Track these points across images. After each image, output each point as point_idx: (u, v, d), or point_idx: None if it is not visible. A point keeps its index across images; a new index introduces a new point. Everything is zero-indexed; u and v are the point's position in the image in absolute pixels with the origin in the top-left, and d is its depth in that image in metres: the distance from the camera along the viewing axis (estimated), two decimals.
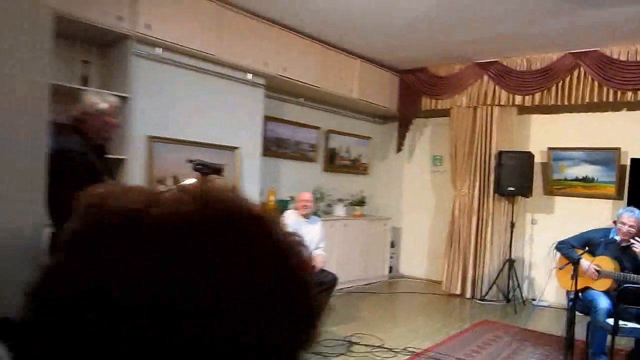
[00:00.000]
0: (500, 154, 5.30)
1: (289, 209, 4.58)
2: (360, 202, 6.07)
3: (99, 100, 2.61)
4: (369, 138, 6.52)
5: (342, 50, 5.24)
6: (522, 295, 5.28)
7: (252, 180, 4.48)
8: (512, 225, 5.28)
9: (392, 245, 6.37)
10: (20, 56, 1.95)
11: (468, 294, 5.51)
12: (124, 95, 3.42)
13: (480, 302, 5.35)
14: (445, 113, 5.90)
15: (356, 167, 6.41)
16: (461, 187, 5.68)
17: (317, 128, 5.68)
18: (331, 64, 5.11)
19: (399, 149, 6.44)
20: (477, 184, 5.58)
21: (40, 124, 2.04)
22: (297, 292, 0.44)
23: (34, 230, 1.94)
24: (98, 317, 0.38)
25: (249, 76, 4.32)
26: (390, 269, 6.35)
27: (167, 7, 3.65)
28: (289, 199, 5.04)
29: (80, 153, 2.49)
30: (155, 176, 3.77)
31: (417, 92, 6.01)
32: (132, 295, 0.38)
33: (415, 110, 6.10)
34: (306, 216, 4.16)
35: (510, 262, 5.23)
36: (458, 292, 5.58)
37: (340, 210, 5.74)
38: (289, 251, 0.44)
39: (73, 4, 3.11)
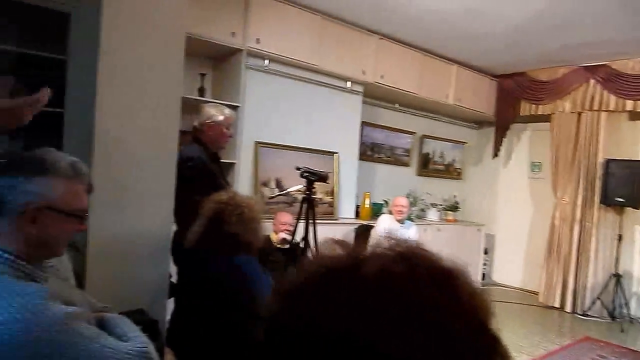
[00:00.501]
0: (607, 162, 5.00)
1: (384, 213, 4.69)
2: (454, 207, 6.02)
3: (217, 112, 2.89)
4: (463, 143, 6.43)
5: (438, 57, 5.25)
6: (629, 312, 4.95)
7: (349, 184, 4.65)
8: (620, 237, 4.97)
9: (486, 252, 6.24)
10: (158, 72, 2.26)
11: (568, 308, 5.27)
12: (235, 104, 3.74)
13: (581, 316, 5.10)
14: (545, 118, 5.68)
15: (450, 172, 6.36)
16: (562, 195, 5.44)
17: (411, 133, 5.73)
18: (427, 70, 5.14)
19: (495, 154, 6.29)
20: (581, 192, 5.31)
21: (172, 133, 2.34)
22: (491, 344, 0.46)
23: (162, 230, 2.24)
24: (332, 354, 0.43)
25: (348, 84, 4.49)
26: (484, 276, 6.23)
27: (274, 22, 3.92)
28: (383, 202, 5.15)
29: (201, 161, 2.77)
30: (260, 179, 4.06)
31: (516, 97, 5.84)
32: (361, 340, 0.43)
33: (513, 115, 5.93)
34: (401, 221, 4.24)
35: (617, 277, 4.93)
36: (557, 304, 5.35)
37: (433, 215, 5.74)
38: (482, 305, 0.48)
39: (194, 23, 3.45)
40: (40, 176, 1.14)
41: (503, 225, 6.37)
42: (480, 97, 5.84)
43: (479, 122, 6.47)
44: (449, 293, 0.46)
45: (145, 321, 1.83)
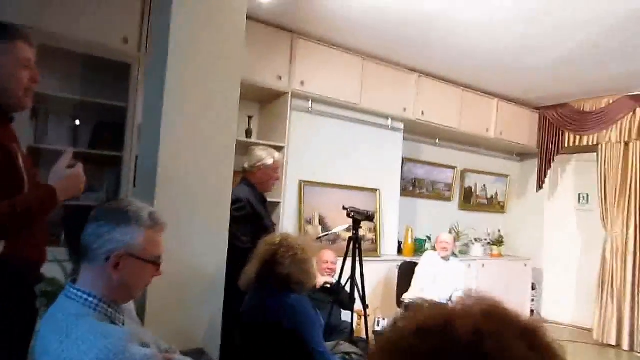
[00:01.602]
0: None
1: (428, 250, 4.67)
2: (498, 242, 5.91)
3: (267, 155, 3.00)
4: (506, 176, 6.36)
5: (479, 91, 5.28)
6: None
7: (391, 220, 4.67)
8: None
9: (534, 287, 6.05)
10: (215, 117, 2.39)
11: (625, 345, 5.01)
12: (281, 144, 3.87)
13: None
14: (591, 149, 5.56)
15: (493, 206, 6.27)
16: (613, 227, 5.26)
17: (452, 167, 5.72)
18: (467, 105, 5.17)
19: (539, 187, 6.17)
20: (633, 224, 5.13)
21: (227, 174, 2.45)
22: None
23: (217, 269, 2.33)
24: None
25: (389, 121, 4.57)
26: (532, 312, 6.02)
27: (317, 64, 4.07)
28: (425, 238, 5.12)
29: (249, 202, 2.87)
30: (305, 216, 4.14)
31: (560, 128, 5.77)
32: None
33: (557, 146, 5.84)
34: (445, 257, 4.21)
35: None
36: (613, 342, 5.10)
37: (477, 250, 5.65)
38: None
39: (243, 69, 3.64)
40: (123, 226, 1.24)
41: (550, 259, 6.19)
42: (522, 129, 5.80)
43: (521, 154, 6.39)
44: (538, 351, 0.49)
45: None
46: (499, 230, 6.07)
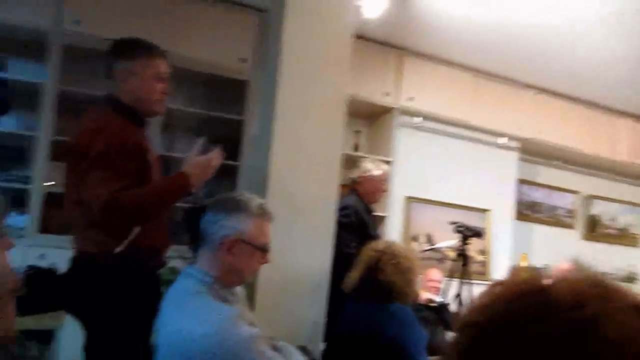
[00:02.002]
0: None
1: None
2: (630, 278, 5.26)
3: (374, 167, 3.04)
4: None
5: (606, 109, 4.83)
6: None
7: (503, 244, 4.40)
8: None
9: None
10: (323, 131, 2.47)
11: None
12: (388, 160, 3.87)
13: None
14: None
15: (624, 238, 5.62)
16: None
17: (575, 192, 5.26)
18: (594, 125, 4.74)
19: None
20: None
21: (334, 184, 2.51)
22: None
23: (322, 272, 2.38)
24: None
25: (503, 140, 4.36)
26: None
27: (426, 80, 4.04)
28: (542, 266, 4.74)
29: (355, 210, 2.92)
30: (411, 233, 4.06)
31: None
32: None
33: None
34: None
35: None
36: None
37: None
38: None
39: (350, 84, 3.72)
40: (236, 213, 1.34)
41: None
42: None
43: None
44: None
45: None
46: (632, 266, 5.42)
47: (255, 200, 1.39)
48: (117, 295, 1.56)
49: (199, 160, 1.69)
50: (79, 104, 3.16)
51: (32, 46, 3.04)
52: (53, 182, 3.00)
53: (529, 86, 4.44)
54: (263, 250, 1.39)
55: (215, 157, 1.74)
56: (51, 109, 2.97)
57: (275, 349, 1.36)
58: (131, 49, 1.69)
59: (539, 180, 5.06)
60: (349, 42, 2.48)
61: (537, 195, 5.06)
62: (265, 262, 1.42)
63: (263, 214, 1.39)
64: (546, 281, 0.47)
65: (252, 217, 1.35)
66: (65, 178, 1.67)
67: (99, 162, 1.49)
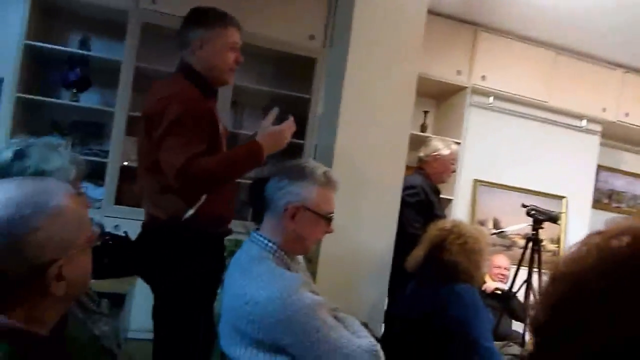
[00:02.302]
0: None
1: None
2: None
3: (444, 146, 2.94)
4: None
5: None
6: None
7: (578, 233, 4.14)
8: None
9: None
10: (392, 110, 2.42)
11: None
12: (457, 141, 3.73)
13: None
14: None
15: None
16: None
17: None
18: None
19: None
20: None
21: (400, 164, 2.46)
22: None
23: (385, 251, 2.34)
24: None
25: (583, 122, 4.08)
26: None
27: (501, 58, 3.84)
28: None
29: (422, 190, 2.85)
30: (477, 218, 3.92)
31: None
32: None
33: None
34: None
35: None
36: None
37: None
38: None
39: (421, 63, 3.61)
40: (301, 181, 1.33)
41: None
42: None
43: None
44: None
45: None
46: None
47: (320, 168, 1.38)
48: (184, 261, 1.60)
49: (273, 129, 1.69)
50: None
51: (112, 25, 3.20)
52: (127, 162, 3.15)
53: (614, 64, 4.11)
54: (327, 218, 1.37)
55: (289, 127, 1.73)
56: (128, 86, 3.11)
57: (337, 319, 1.36)
58: (207, 17, 1.71)
59: (622, 167, 4.70)
60: (423, 17, 2.39)
61: (619, 183, 4.71)
62: (329, 232, 1.41)
63: (328, 182, 1.37)
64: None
65: (316, 184, 1.34)
66: (139, 145, 1.73)
67: (174, 128, 1.51)
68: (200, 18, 1.71)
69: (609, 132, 4.30)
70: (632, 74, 4.16)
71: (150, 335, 1.66)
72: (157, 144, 1.54)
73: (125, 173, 3.27)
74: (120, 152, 3.16)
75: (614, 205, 4.71)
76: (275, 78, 3.70)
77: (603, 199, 4.63)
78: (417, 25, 2.39)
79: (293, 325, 1.17)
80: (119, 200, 3.18)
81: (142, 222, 1.75)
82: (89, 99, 3.24)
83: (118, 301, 2.46)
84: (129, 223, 2.83)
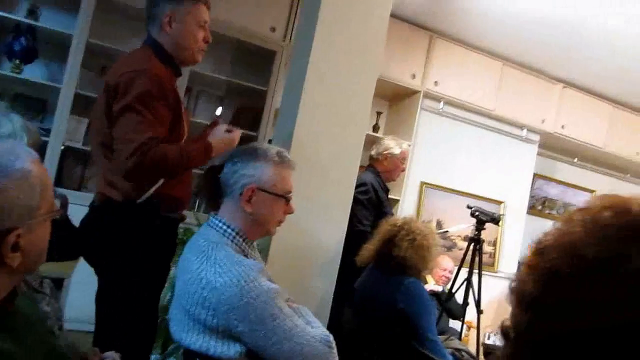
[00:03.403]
0: None
1: None
2: None
3: (395, 145, 3.03)
4: None
5: (632, 110, 4.75)
6: None
7: (513, 236, 4.39)
8: None
9: None
10: (349, 109, 2.46)
11: None
12: (407, 143, 3.84)
13: None
14: None
15: None
16: None
17: (590, 191, 5.20)
18: (617, 124, 4.67)
19: None
20: None
21: (355, 161, 2.51)
22: None
23: (335, 244, 2.39)
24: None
25: (524, 132, 4.31)
26: None
27: (454, 66, 3.98)
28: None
29: (373, 187, 2.91)
30: (422, 219, 4.05)
31: None
32: None
33: None
34: None
35: None
36: None
37: None
38: None
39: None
40: (254, 161, 1.34)
41: None
42: None
43: None
44: None
45: None
46: None
47: (273, 149, 1.39)
48: (137, 244, 1.56)
49: (226, 137, 1.70)
50: (106, 59, 3.18)
51: None
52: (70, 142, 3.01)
53: (555, 79, 4.37)
54: (285, 198, 1.38)
55: (239, 136, 1.75)
56: (78, 62, 2.97)
57: (291, 309, 1.37)
58: None
59: (556, 176, 5.01)
60: (386, 21, 2.44)
61: (553, 191, 5.02)
62: (290, 212, 1.41)
63: (282, 161, 1.37)
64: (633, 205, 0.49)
65: (270, 164, 1.35)
66: (94, 117, 1.65)
67: (138, 104, 1.46)
68: None
69: (546, 142, 4.57)
70: (570, 89, 4.44)
71: (84, 327, 1.60)
72: (116, 118, 1.48)
73: (68, 154, 3.12)
74: (63, 131, 3.02)
75: (547, 211, 5.01)
76: (232, 67, 3.65)
77: (537, 206, 4.92)
78: (380, 28, 2.43)
79: (249, 312, 1.17)
80: (58, 183, 3.04)
81: (93, 200, 1.68)
82: (33, 72, 3.06)
83: (57, 284, 2.36)
84: (70, 208, 2.71)
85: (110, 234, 1.56)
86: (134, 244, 1.54)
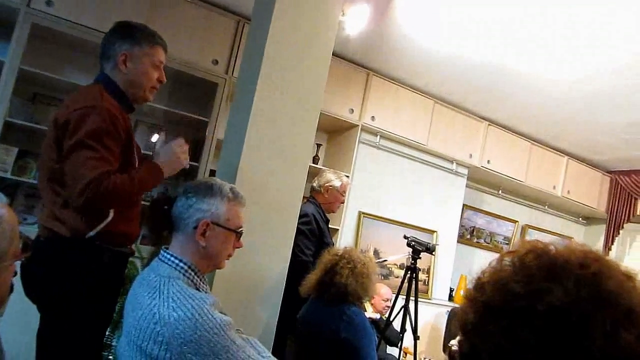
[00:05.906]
0: None
1: None
2: None
3: (336, 178, 3.13)
4: (570, 238, 6.11)
5: (548, 147, 5.21)
6: None
7: (445, 264, 4.60)
8: None
9: None
10: (294, 141, 2.54)
11: None
12: (346, 174, 3.97)
13: None
14: None
15: None
16: None
17: (513, 222, 5.59)
18: (536, 160, 5.10)
19: (605, 254, 5.87)
20: None
21: (298, 194, 2.58)
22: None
23: (279, 275, 2.42)
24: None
25: (453, 165, 4.59)
26: None
27: (389, 102, 4.20)
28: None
29: (314, 218, 2.99)
30: (360, 248, 4.16)
31: (632, 195, 5.54)
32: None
33: (628, 214, 5.59)
34: None
35: None
36: None
37: None
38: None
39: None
40: (209, 197, 1.37)
41: None
42: (591, 192, 5.62)
43: (588, 218, 6.16)
44: (634, 283, 0.58)
45: None
46: None
47: (227, 185, 1.43)
48: (84, 281, 1.52)
49: (163, 150, 1.72)
50: (39, 86, 3.08)
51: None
52: None
53: (482, 118, 4.72)
54: (237, 232, 1.42)
55: (178, 144, 1.77)
56: (9, 89, 2.86)
57: (242, 340, 1.39)
58: (135, 33, 1.69)
59: (483, 207, 5.35)
60: (329, 57, 2.56)
61: (480, 221, 5.34)
62: (239, 247, 1.45)
63: (235, 197, 1.42)
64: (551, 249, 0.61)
65: (225, 200, 1.39)
66: (43, 152, 1.61)
67: (90, 140, 1.45)
68: (128, 32, 1.68)
69: (474, 175, 4.89)
70: (494, 126, 4.81)
71: None
72: (66, 154, 1.47)
73: None
74: None
75: (475, 240, 5.31)
76: (172, 97, 3.64)
77: (466, 235, 5.20)
78: (324, 62, 2.56)
79: (203, 345, 1.18)
80: None
81: (38, 235, 1.62)
82: None
83: None
84: None
85: (57, 270, 1.51)
86: (82, 280, 1.51)
